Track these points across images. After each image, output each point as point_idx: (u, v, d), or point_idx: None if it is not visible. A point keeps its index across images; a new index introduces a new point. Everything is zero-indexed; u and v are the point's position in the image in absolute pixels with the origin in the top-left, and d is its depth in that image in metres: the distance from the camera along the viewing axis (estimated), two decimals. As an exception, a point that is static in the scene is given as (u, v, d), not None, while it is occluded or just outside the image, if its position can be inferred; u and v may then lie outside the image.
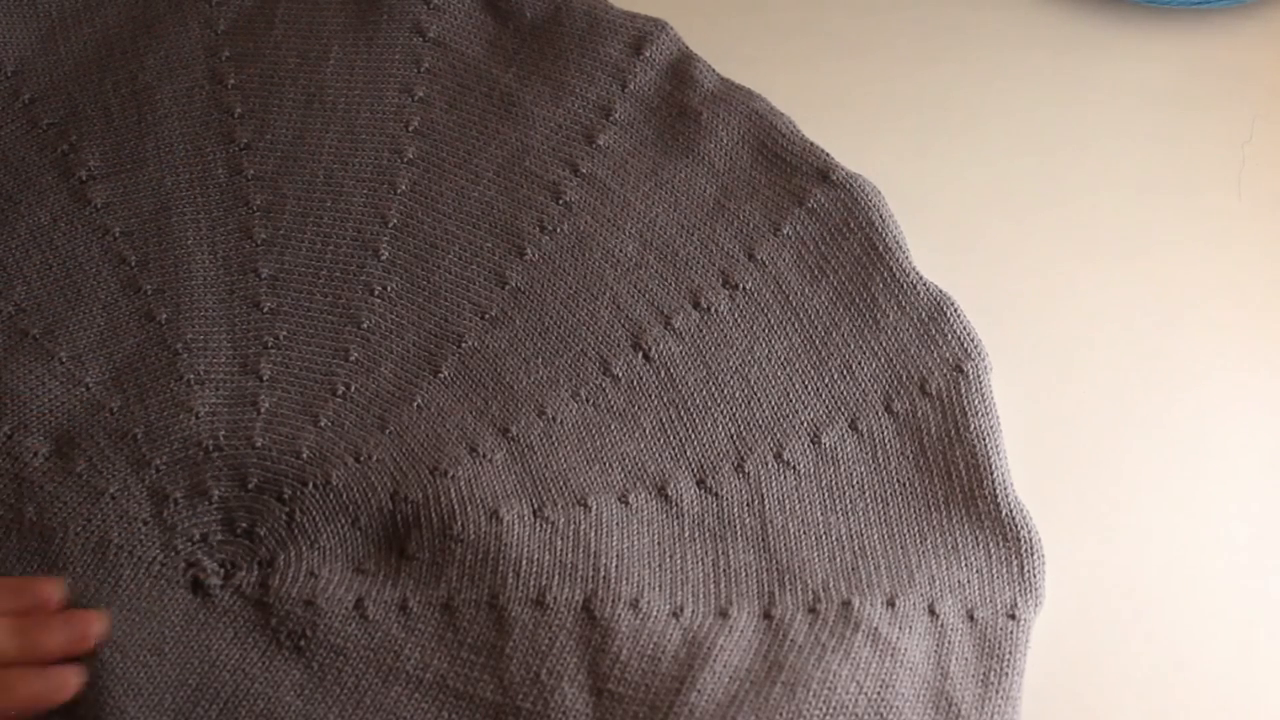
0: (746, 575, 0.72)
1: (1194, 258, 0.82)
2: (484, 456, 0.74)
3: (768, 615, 0.71)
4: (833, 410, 0.76)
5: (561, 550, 0.71)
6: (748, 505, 0.74)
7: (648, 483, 0.74)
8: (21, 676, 0.65)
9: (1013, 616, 0.73)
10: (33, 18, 0.82)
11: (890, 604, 0.72)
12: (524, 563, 0.71)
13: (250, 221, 0.78)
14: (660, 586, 0.72)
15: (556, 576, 0.71)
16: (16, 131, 0.79)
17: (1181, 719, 0.73)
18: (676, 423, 0.75)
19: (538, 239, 0.78)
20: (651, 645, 0.69)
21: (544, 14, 0.84)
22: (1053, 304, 0.81)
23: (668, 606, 0.71)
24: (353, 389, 0.75)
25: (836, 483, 0.75)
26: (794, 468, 0.75)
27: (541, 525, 0.72)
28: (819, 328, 0.77)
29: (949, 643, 0.72)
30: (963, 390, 0.76)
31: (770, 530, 0.73)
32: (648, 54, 0.82)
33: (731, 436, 0.75)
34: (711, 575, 0.72)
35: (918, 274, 0.78)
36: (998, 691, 0.71)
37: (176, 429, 0.73)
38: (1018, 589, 0.73)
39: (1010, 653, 0.72)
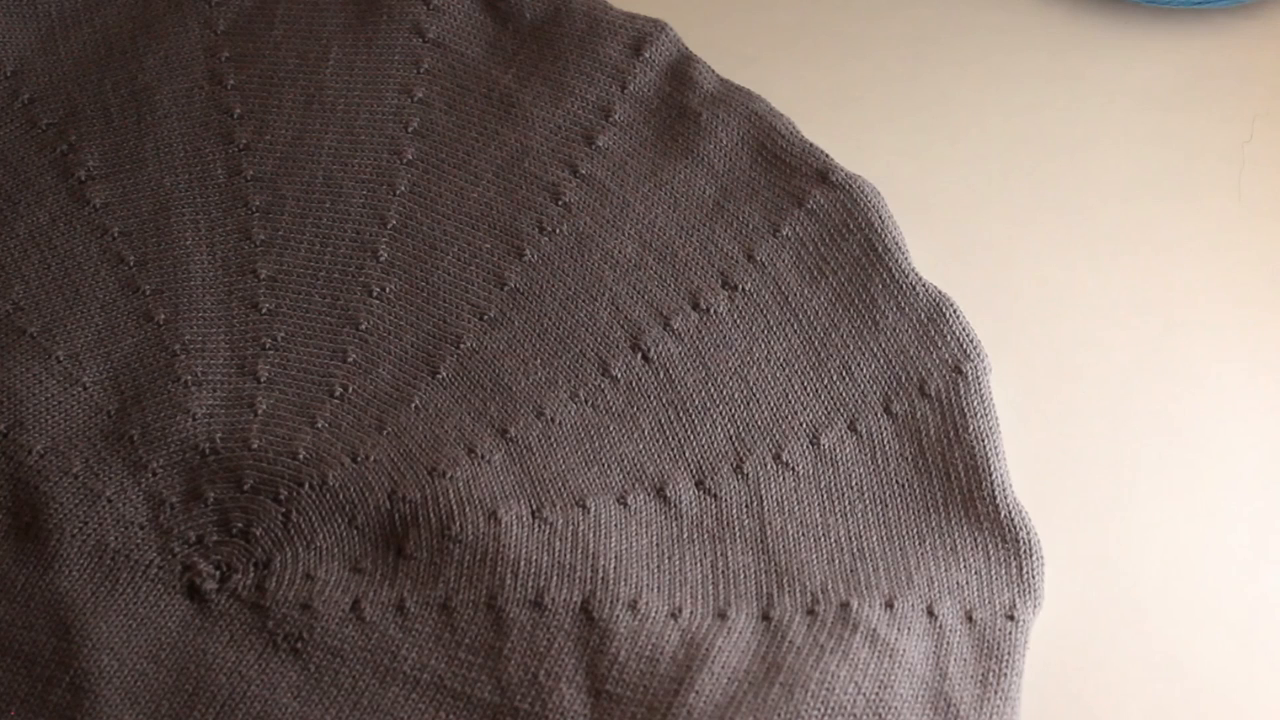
0: (745, 577, 0.72)
1: (1194, 258, 0.82)
2: (482, 457, 0.74)
3: (766, 617, 0.71)
4: (832, 411, 0.76)
5: (560, 551, 0.71)
6: (746, 506, 0.74)
7: (646, 484, 0.74)
8: None
9: (1011, 617, 0.73)
10: (32, 18, 0.82)
11: (889, 605, 0.72)
12: (522, 564, 0.71)
13: (249, 222, 0.78)
14: (659, 588, 0.72)
15: (555, 577, 0.71)
16: (16, 131, 0.79)
17: (1181, 719, 0.73)
18: (675, 424, 0.75)
19: (537, 240, 0.78)
20: (650, 646, 0.69)
21: (543, 15, 0.83)
22: (1053, 304, 0.81)
23: (666, 608, 0.71)
24: (350, 390, 0.75)
25: (835, 484, 0.75)
26: (793, 469, 0.75)
27: (540, 526, 0.72)
28: (818, 329, 0.77)
29: (948, 644, 0.71)
30: (962, 391, 0.75)
31: (769, 532, 0.73)
32: (647, 55, 0.82)
33: (730, 438, 0.75)
34: (710, 576, 0.72)
35: (917, 275, 0.78)
36: (996, 692, 0.71)
37: (173, 431, 0.73)
38: (1016, 590, 0.73)
39: (1009, 653, 0.72)
